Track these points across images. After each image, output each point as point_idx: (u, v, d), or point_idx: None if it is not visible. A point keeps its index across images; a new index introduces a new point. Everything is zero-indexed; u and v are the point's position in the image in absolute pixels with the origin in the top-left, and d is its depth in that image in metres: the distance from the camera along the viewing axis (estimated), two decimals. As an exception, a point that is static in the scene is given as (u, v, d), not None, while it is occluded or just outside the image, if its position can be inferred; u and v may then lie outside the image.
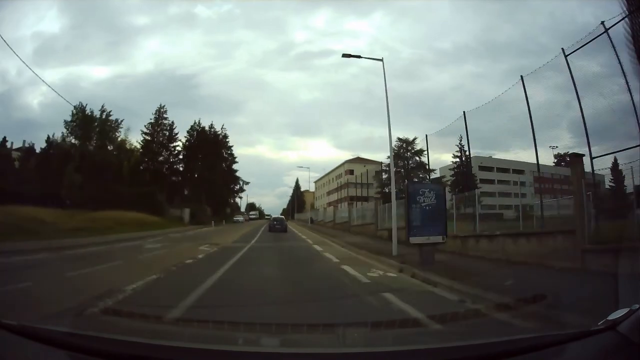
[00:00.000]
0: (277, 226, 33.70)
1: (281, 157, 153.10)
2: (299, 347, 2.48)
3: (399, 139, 41.38)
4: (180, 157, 53.28)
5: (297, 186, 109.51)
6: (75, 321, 3.18)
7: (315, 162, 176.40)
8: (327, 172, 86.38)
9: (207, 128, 56.32)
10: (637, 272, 3.45)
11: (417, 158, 40.33)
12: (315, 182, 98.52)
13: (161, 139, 51.26)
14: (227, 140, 59.50)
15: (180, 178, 54.20)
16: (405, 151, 41.76)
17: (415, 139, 40.66)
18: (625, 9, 1.68)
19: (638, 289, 2.60)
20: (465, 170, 25.95)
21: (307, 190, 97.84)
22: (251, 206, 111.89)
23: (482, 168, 38.56)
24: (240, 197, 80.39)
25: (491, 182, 41.13)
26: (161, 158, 51.47)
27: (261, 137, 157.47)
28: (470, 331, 3.50)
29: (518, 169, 34.51)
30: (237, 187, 66.22)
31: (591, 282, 7.00)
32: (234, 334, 3.05)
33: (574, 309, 4.27)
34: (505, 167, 43.63)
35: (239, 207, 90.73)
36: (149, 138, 50.45)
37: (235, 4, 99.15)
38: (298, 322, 4.31)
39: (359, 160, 68.37)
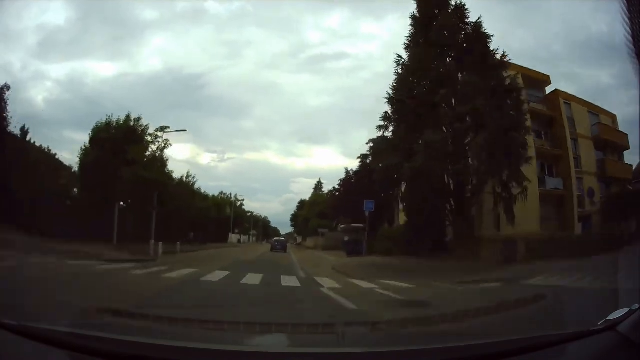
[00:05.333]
0: (277, 247, 38.20)
1: (287, 163, 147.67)
2: (299, 347, 2.49)
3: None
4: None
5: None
6: (75, 321, 3.18)
7: (321, 170, 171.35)
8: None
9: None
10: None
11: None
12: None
13: None
14: None
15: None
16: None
17: None
18: (625, 9, 1.67)
19: (638, 289, 2.60)
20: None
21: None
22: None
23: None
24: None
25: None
26: None
27: (267, 143, 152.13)
28: (470, 331, 3.51)
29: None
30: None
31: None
32: (234, 333, 3.06)
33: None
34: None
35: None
36: None
37: (247, 0, 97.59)
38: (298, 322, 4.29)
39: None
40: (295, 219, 77.11)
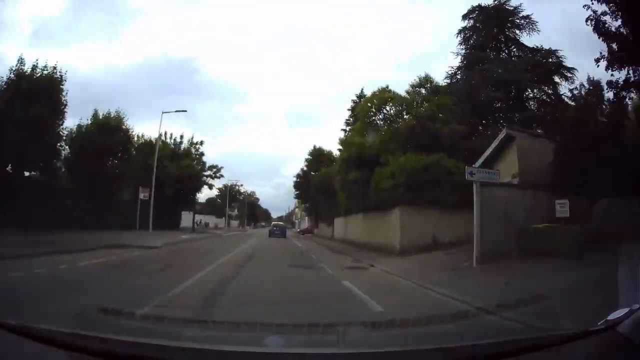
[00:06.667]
0: (277, 232, 37.07)
1: (279, 147, 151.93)
2: (299, 347, 2.49)
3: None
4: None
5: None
6: (75, 321, 3.18)
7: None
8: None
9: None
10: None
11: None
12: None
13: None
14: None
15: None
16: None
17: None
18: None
19: (638, 289, 2.60)
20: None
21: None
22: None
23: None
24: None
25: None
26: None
27: (260, 127, 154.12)
28: (470, 331, 3.51)
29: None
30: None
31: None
32: (234, 334, 3.06)
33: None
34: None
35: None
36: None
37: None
38: (298, 322, 4.31)
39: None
40: (302, 183, 42.96)
